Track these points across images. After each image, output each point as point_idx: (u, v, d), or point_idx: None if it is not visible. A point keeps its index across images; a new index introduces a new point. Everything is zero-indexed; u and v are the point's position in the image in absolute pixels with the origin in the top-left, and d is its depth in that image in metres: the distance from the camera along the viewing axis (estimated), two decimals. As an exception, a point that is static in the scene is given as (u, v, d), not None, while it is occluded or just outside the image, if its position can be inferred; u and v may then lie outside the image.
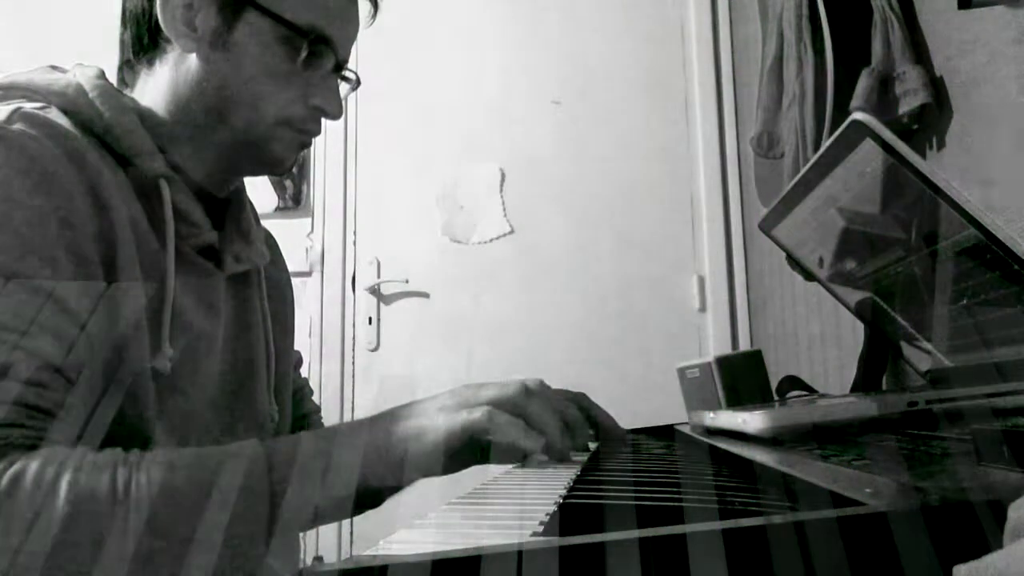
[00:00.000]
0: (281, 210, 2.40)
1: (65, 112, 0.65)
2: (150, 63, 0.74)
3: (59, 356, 0.57)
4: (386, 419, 0.60)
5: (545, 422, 0.60)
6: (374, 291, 2.34)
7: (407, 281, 2.33)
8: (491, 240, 2.34)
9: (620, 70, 2.36)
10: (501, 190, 2.35)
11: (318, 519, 0.59)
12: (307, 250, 2.38)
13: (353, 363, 2.32)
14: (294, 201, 2.41)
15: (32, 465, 0.50)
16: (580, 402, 0.73)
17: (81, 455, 0.52)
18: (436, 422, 0.58)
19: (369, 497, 0.60)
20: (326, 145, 2.42)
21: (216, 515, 0.52)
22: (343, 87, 0.80)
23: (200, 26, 0.71)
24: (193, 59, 0.71)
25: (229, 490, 0.53)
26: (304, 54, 0.72)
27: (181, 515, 0.51)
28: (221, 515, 0.52)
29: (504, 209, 2.34)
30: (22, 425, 0.53)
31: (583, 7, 2.40)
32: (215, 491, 0.52)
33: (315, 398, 1.01)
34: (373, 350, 2.32)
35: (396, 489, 0.62)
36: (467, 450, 0.59)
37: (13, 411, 0.53)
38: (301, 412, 0.95)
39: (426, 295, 2.33)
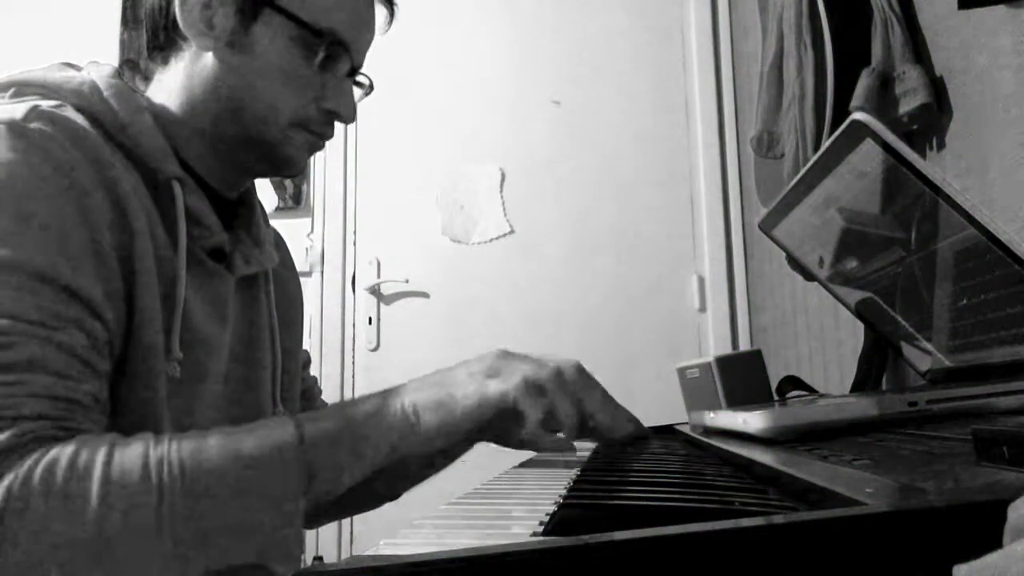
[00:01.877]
0: (281, 210, 2.40)
1: (80, 110, 0.65)
2: (164, 61, 0.74)
3: (88, 350, 0.57)
4: (415, 386, 0.60)
5: (565, 418, 0.59)
6: (374, 291, 2.34)
7: (407, 281, 2.33)
8: (491, 240, 2.34)
9: (620, 70, 2.36)
10: (501, 190, 2.35)
11: (349, 489, 0.59)
12: (307, 250, 2.38)
13: (353, 363, 2.32)
14: (294, 201, 2.41)
15: (66, 452, 0.50)
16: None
17: (112, 440, 0.53)
18: (467, 390, 0.58)
19: (400, 466, 0.59)
20: (326, 145, 2.42)
21: (251, 487, 0.52)
22: (356, 92, 0.80)
23: (218, 25, 0.71)
24: (209, 58, 0.71)
25: (262, 464, 0.53)
26: (321, 57, 0.72)
27: (216, 490, 0.51)
28: (256, 487, 0.52)
29: (504, 209, 2.34)
30: (56, 417, 0.53)
31: (583, 7, 2.40)
32: (248, 466, 0.52)
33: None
34: (373, 350, 2.32)
35: (425, 454, 0.61)
36: (496, 420, 0.59)
37: (45, 404, 0.53)
38: (310, 410, 0.94)
39: (426, 295, 2.33)
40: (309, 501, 0.54)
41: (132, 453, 0.51)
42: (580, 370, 0.62)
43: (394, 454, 0.57)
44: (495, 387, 0.58)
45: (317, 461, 0.54)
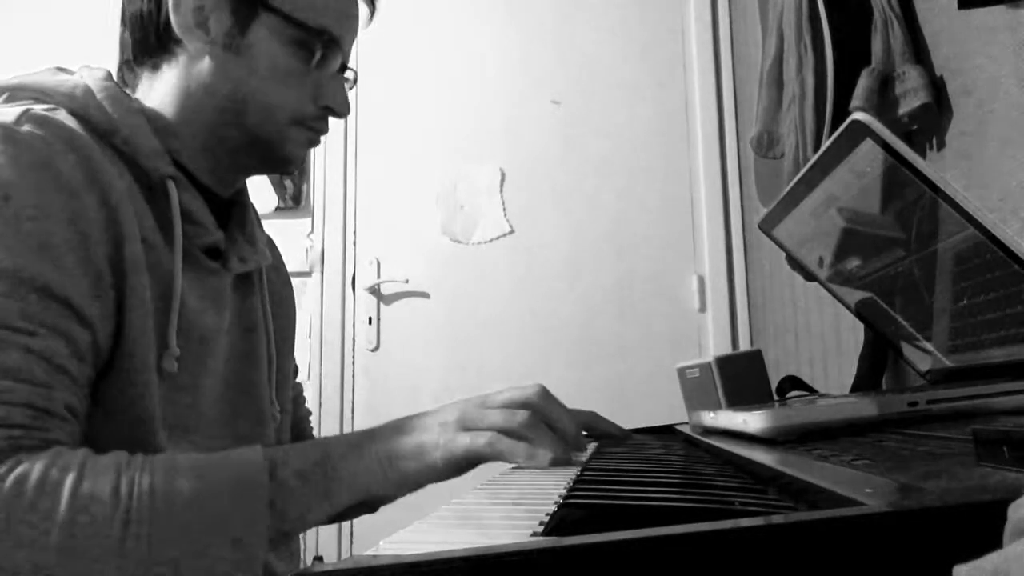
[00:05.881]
0: (281, 210, 2.40)
1: (73, 114, 0.65)
2: (156, 65, 0.74)
3: (68, 358, 0.57)
4: (388, 432, 0.61)
5: (549, 448, 0.60)
6: (374, 291, 2.34)
7: (407, 281, 2.33)
8: (491, 240, 2.34)
9: (620, 70, 2.36)
10: (501, 190, 2.35)
11: (316, 525, 0.60)
12: (307, 250, 2.38)
13: (353, 363, 2.32)
14: (294, 201, 2.41)
15: (36, 467, 0.50)
16: (591, 421, 0.74)
17: (84, 457, 0.53)
18: (438, 441, 0.59)
19: (366, 505, 0.61)
20: (326, 145, 2.42)
21: (217, 520, 0.52)
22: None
23: (213, 28, 0.71)
24: (205, 61, 0.72)
25: (230, 496, 0.53)
26: (319, 55, 0.73)
27: (182, 520, 0.52)
28: (222, 521, 0.52)
29: (504, 209, 2.34)
30: (30, 427, 0.53)
31: (583, 7, 2.40)
32: (217, 497, 0.53)
33: (314, 398, 1.02)
34: (373, 350, 2.32)
35: (394, 498, 0.63)
36: (466, 465, 0.60)
37: (21, 413, 0.53)
38: (295, 417, 0.96)
39: (426, 295, 2.33)
40: (274, 536, 0.55)
41: (103, 475, 0.51)
42: (546, 396, 0.63)
43: (364, 496, 0.59)
44: (463, 442, 0.59)
45: (285, 500, 0.55)
